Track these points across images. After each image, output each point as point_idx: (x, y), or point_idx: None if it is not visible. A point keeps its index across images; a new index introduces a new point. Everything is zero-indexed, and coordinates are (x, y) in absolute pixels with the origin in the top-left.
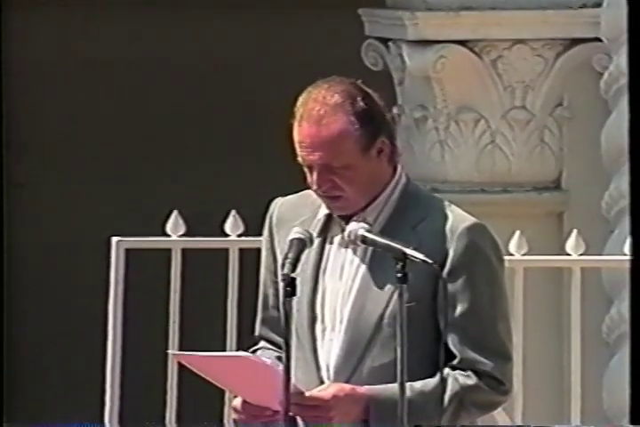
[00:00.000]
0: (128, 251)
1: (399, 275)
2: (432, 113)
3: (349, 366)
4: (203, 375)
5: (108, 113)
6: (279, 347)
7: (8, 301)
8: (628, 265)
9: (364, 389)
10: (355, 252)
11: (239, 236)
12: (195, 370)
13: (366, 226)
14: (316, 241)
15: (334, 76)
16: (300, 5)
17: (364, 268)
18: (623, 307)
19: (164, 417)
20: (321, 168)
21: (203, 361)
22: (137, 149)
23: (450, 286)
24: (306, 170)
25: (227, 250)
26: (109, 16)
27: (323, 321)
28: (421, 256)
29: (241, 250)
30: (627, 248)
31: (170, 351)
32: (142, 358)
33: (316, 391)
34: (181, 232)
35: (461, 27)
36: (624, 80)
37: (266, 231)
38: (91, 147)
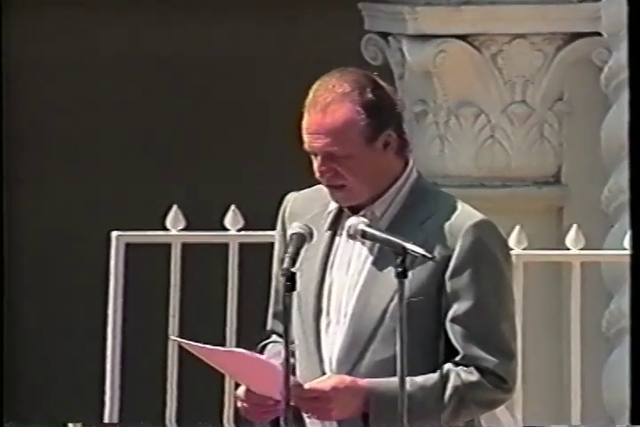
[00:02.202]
0: (128, 245)
1: (399, 269)
2: (432, 107)
3: (351, 360)
4: (205, 360)
5: (108, 107)
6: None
7: (8, 296)
8: (627, 260)
9: (364, 381)
10: (363, 245)
11: (239, 230)
12: (196, 354)
13: (366, 220)
14: (327, 234)
15: (350, 67)
16: (298, 0)
17: (371, 261)
18: (623, 302)
19: (163, 413)
20: (324, 156)
21: (202, 351)
22: (137, 142)
23: (455, 283)
24: (312, 158)
25: (226, 244)
26: (110, 15)
27: (328, 314)
28: (421, 250)
29: (241, 244)
30: (626, 243)
31: (171, 337)
32: (142, 352)
33: (316, 383)
34: (181, 226)
35: (461, 21)
36: (624, 75)
37: (279, 226)
38: (91, 142)
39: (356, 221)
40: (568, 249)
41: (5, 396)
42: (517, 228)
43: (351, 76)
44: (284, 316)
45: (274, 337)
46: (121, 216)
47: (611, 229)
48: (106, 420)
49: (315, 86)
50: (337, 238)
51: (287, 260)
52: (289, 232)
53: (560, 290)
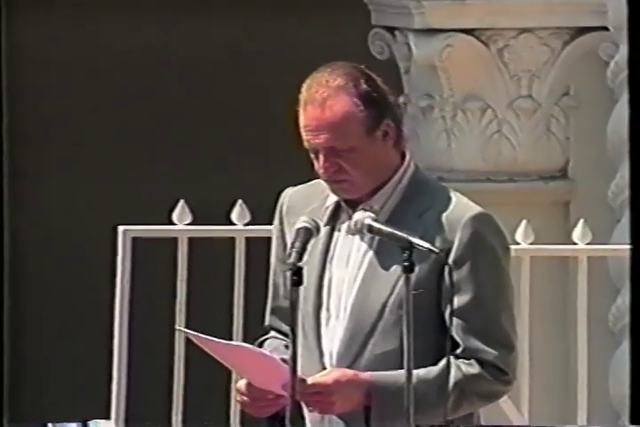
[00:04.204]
0: (135, 239)
1: (406, 264)
2: (438, 102)
3: (351, 353)
4: (209, 352)
5: (111, 101)
6: (288, 336)
7: (11, 290)
8: None
9: (366, 374)
10: (362, 239)
11: (246, 225)
12: (201, 346)
13: (372, 215)
14: (325, 229)
15: (337, 61)
16: None
17: (370, 255)
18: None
19: (169, 413)
20: (326, 151)
21: (207, 343)
22: (142, 136)
23: (454, 275)
24: (312, 156)
25: (233, 239)
26: (110, 14)
27: (328, 309)
28: (427, 245)
29: (247, 239)
30: None
31: (177, 327)
32: (149, 348)
33: (319, 376)
34: (188, 221)
35: (468, 15)
36: None
37: (276, 221)
38: (94, 135)
39: (362, 216)
40: (575, 244)
41: (6, 396)
42: (524, 222)
43: (342, 70)
44: (292, 311)
45: (272, 333)
46: (127, 211)
47: (617, 223)
48: (112, 419)
49: (306, 83)
50: (335, 233)
51: (294, 254)
52: (295, 226)
53: (567, 284)
